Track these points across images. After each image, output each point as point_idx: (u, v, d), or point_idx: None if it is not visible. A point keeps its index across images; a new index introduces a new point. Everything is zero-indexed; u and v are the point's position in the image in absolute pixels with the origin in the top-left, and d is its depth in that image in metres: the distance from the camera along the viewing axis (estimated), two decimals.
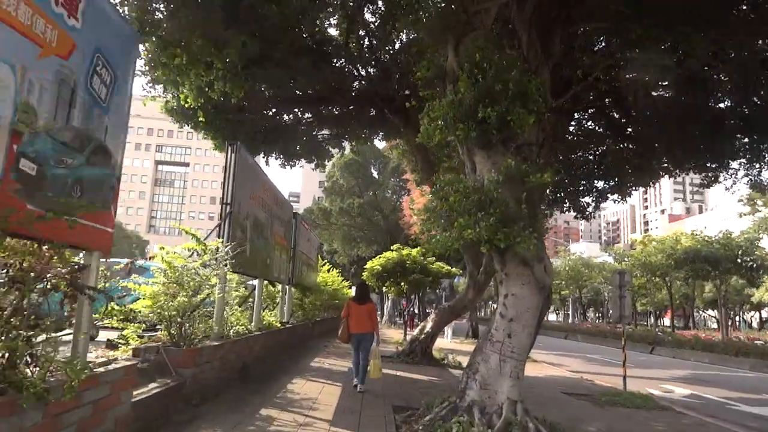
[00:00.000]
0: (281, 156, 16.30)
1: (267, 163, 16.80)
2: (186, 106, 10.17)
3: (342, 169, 37.04)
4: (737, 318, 71.75)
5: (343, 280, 25.00)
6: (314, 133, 16.50)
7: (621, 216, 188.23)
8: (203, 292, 6.48)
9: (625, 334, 10.87)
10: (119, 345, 5.77)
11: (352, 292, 29.28)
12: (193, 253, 6.77)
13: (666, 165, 14.03)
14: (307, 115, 15.69)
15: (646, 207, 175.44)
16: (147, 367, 5.41)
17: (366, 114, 15.94)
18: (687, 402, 10.29)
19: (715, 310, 66.30)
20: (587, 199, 18.25)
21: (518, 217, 5.77)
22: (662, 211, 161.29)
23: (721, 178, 12.46)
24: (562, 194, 18.09)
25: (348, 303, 8.45)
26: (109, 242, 4.07)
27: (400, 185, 36.47)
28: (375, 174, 39.33)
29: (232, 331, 7.99)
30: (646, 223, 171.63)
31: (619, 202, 18.20)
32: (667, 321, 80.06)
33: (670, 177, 15.36)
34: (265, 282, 11.34)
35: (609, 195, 17.95)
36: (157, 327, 6.42)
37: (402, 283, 20.24)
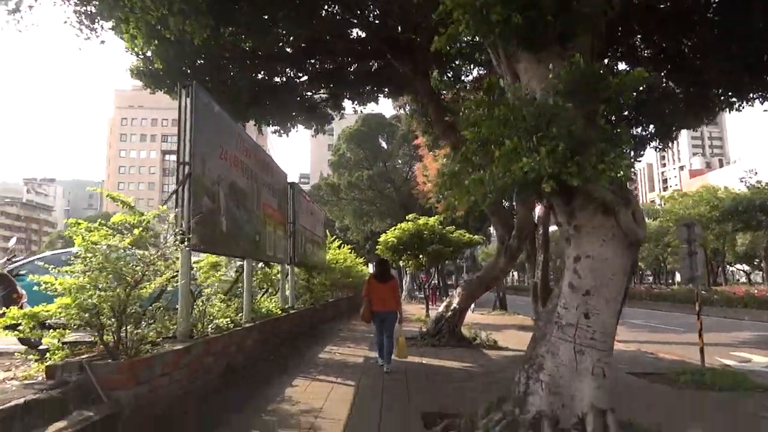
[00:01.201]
0: (274, 122, 14.49)
1: (260, 131, 14.98)
2: (136, 51, 8.29)
3: (348, 140, 34.95)
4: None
5: (356, 257, 23.33)
6: (309, 94, 14.57)
7: (638, 175, 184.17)
8: (153, 281, 4.71)
9: (699, 298, 8.96)
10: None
11: (368, 269, 27.61)
12: (124, 228, 4.96)
13: (724, 97, 11.86)
14: (299, 75, 13.76)
15: (664, 164, 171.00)
16: (60, 396, 3.68)
17: (366, 66, 13.94)
18: None
19: (743, 264, 63.80)
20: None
21: (592, 140, 3.86)
22: (681, 168, 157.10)
23: None
24: None
25: (369, 281, 8.16)
26: None
27: (410, 154, 34.31)
28: (383, 144, 37.16)
29: (210, 326, 6.26)
30: (665, 180, 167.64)
31: (660, 149, 16.10)
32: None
33: (730, 111, 13.19)
34: (260, 264, 9.64)
35: (649, 143, 15.88)
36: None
37: (421, 256, 18.45)
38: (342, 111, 15.68)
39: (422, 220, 18.30)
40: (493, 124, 4.02)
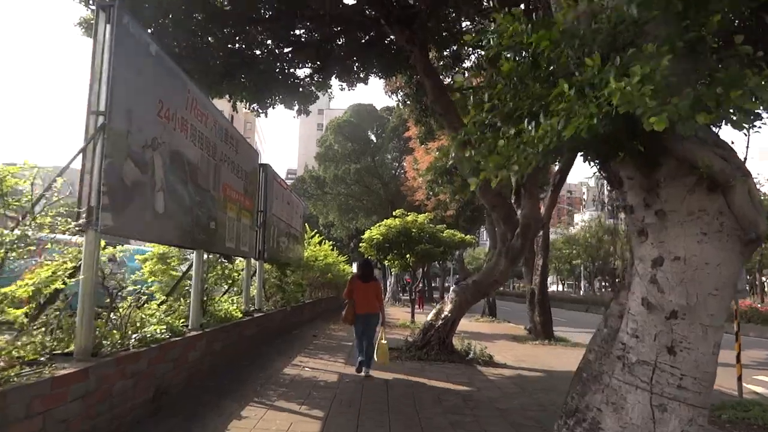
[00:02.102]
0: (251, 99, 12.91)
1: (234, 108, 13.41)
2: None
3: (336, 132, 33.30)
4: None
5: (339, 255, 21.87)
6: (292, 70, 13.05)
7: None
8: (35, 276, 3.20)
9: (738, 317, 7.61)
10: None
11: (352, 268, 26.11)
12: None
13: None
14: (280, 45, 12.23)
15: None
16: None
17: (356, 38, 12.45)
18: None
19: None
20: None
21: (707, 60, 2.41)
22: None
23: None
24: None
25: (352, 281, 7.79)
26: None
27: (401, 148, 32.75)
28: (373, 137, 35.54)
29: (135, 337, 4.74)
30: None
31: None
32: None
33: None
34: (221, 257, 8.11)
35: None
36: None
37: (408, 256, 17.01)
38: (329, 90, 14.18)
39: (410, 217, 16.88)
40: (547, 47, 2.57)
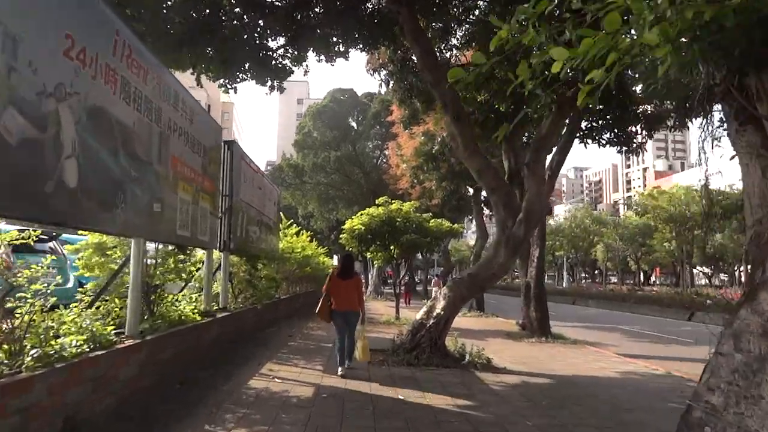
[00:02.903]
0: (216, 70, 11.53)
1: (198, 82, 11.99)
2: None
3: (315, 118, 31.79)
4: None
5: (318, 247, 20.62)
6: (264, 41, 11.69)
7: (603, 176, 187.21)
8: None
9: None
10: None
11: (333, 261, 24.80)
12: None
13: None
14: (251, 12, 10.87)
15: (629, 165, 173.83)
16: None
17: (334, 3, 11.14)
18: None
19: (704, 267, 63.64)
20: (636, 128, 13.94)
21: None
22: (644, 170, 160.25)
23: None
24: (601, 121, 13.75)
25: (330, 276, 7.45)
26: None
27: (383, 136, 31.36)
28: (354, 124, 34.11)
29: (30, 357, 3.47)
30: (629, 182, 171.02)
31: (675, 129, 13.91)
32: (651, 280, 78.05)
33: None
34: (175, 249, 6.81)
35: (667, 121, 13.60)
36: None
37: (392, 247, 15.84)
38: (304, 65, 12.82)
39: (395, 205, 15.69)
40: None
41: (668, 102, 12.70)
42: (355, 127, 33.74)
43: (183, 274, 6.94)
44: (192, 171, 6.58)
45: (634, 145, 13.66)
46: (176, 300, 6.92)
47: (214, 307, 8.20)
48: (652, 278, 79.13)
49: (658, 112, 13.11)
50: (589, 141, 13.89)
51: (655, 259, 59.82)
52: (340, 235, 15.99)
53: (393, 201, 16.07)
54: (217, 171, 7.85)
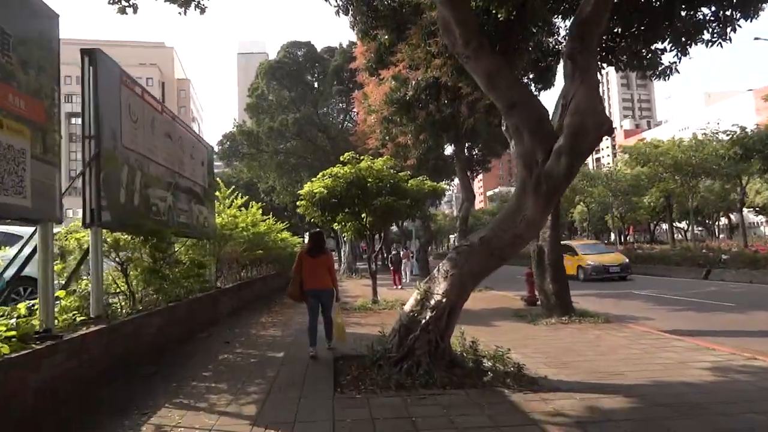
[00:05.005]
0: None
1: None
2: None
3: (267, 76, 27.85)
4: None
5: (278, 222, 17.40)
6: None
7: None
8: None
9: None
10: None
11: (302, 239, 21.63)
12: None
13: None
14: None
15: None
16: None
17: None
18: None
19: (683, 222, 62.58)
20: (661, 46, 11.01)
21: None
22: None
23: None
24: (621, 41, 10.80)
25: (300, 255, 7.10)
26: None
27: (346, 93, 27.63)
28: (313, 82, 30.24)
29: None
30: None
31: (713, 45, 11.02)
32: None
33: None
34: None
35: (704, 33, 10.71)
36: None
37: (363, 215, 12.77)
38: None
39: (364, 163, 12.58)
40: None
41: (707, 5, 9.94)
42: (316, 86, 29.92)
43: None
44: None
45: (662, 67, 10.75)
46: None
47: (77, 319, 5.03)
48: (628, 237, 78.26)
49: (694, 21, 10.21)
50: (604, 65, 11.02)
51: (634, 217, 58.24)
52: (298, 202, 12.79)
53: (362, 157, 12.94)
54: (50, 86, 4.52)
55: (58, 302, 5.11)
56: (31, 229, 7.76)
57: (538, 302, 11.22)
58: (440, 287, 5.62)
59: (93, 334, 4.80)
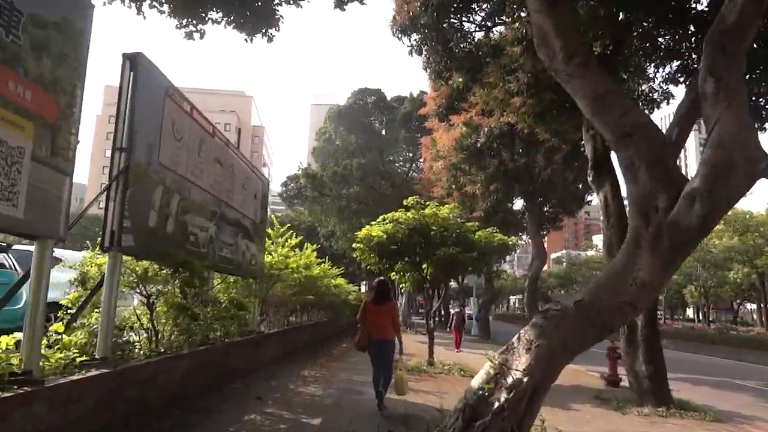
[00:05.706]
0: (177, 8, 8.02)
1: (141, 13, 8.28)
2: None
3: (336, 121, 27.96)
4: None
5: (334, 267, 16.55)
6: None
7: None
8: None
9: None
10: None
11: (350, 286, 20.87)
12: None
13: None
14: None
15: None
16: None
17: None
18: None
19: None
20: None
21: None
22: None
23: None
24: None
25: (364, 304, 6.87)
26: None
27: (413, 141, 26.82)
28: (381, 130, 29.88)
29: None
30: None
31: None
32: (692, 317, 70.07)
33: None
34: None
35: None
36: None
37: (424, 266, 11.64)
38: (298, 3, 9.06)
39: (429, 209, 11.57)
40: None
41: None
42: (383, 133, 29.63)
43: None
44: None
45: None
46: None
47: (76, 359, 4.18)
48: (709, 315, 71.40)
49: None
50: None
51: (717, 293, 52.92)
52: (353, 245, 11.89)
53: (426, 203, 11.96)
54: (73, 83, 3.88)
55: (60, 337, 4.33)
56: (76, 253, 7.26)
57: (622, 382, 9.54)
58: (521, 361, 4.36)
59: (87, 381, 3.91)
